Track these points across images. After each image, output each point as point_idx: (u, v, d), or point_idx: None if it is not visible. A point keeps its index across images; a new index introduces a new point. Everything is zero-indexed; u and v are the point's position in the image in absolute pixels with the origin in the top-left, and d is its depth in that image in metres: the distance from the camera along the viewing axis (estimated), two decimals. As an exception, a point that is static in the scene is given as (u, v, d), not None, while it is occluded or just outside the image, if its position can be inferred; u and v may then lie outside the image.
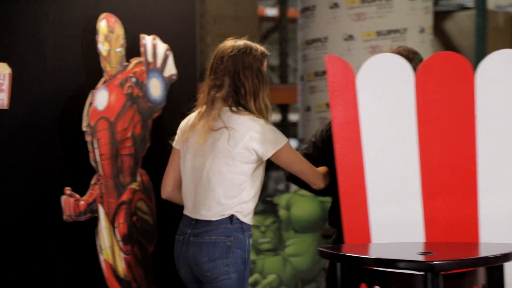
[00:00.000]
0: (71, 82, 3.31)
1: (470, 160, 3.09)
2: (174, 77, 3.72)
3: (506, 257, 2.64)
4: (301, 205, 4.85)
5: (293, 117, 8.21)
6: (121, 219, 3.46)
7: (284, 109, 8.06)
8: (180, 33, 3.78)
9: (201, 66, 3.76)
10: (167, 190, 3.25)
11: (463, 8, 8.30)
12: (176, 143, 3.23)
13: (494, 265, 2.68)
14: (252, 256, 4.71)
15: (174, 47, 3.71)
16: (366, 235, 3.08)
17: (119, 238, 3.45)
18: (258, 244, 4.74)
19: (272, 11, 8.69)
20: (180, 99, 3.73)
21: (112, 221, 3.43)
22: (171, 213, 3.57)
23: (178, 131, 3.25)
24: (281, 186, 7.93)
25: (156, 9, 3.68)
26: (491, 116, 3.11)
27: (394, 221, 3.08)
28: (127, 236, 3.47)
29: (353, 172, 3.12)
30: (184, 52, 3.78)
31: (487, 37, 7.22)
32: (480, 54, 6.97)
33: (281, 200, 4.88)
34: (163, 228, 3.64)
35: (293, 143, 8.41)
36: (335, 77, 3.18)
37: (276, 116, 8.37)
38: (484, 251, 2.83)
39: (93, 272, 3.36)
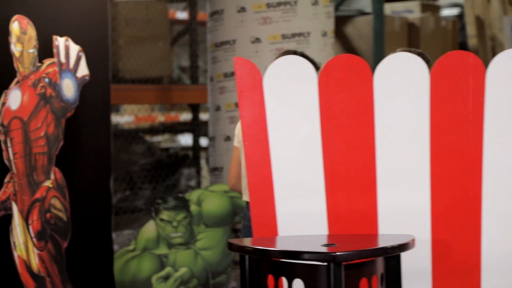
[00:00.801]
0: (-16, 82, 3.22)
1: (370, 156, 3.13)
2: (87, 78, 3.66)
3: (402, 247, 2.68)
4: (212, 201, 4.84)
5: (203, 116, 8.18)
6: (34, 216, 3.39)
7: (195, 108, 8.02)
8: (93, 35, 3.73)
9: (113, 67, 3.72)
10: (232, 182, 3.60)
11: (362, 13, 8.42)
12: (236, 142, 3.59)
13: (392, 255, 2.72)
14: (164, 250, 4.67)
15: (86, 49, 3.65)
16: (273, 228, 3.09)
17: (33, 234, 3.37)
18: (170, 239, 4.70)
19: (182, 14, 8.64)
20: (92, 99, 3.69)
21: (26, 218, 3.35)
22: (84, 210, 3.51)
23: (237, 131, 3.59)
24: (193, 183, 7.91)
25: (69, 11, 3.61)
26: (388, 114, 3.16)
27: (299, 214, 3.10)
28: (40, 232, 3.40)
29: (260, 169, 3.13)
30: (96, 54, 3.73)
31: (385, 40, 7.34)
32: (378, 56, 7.08)
33: (192, 196, 4.86)
34: (76, 224, 3.58)
35: (204, 141, 8.40)
36: (243, 78, 3.18)
37: (187, 115, 8.33)
38: (382, 242, 2.87)
39: (7, 268, 3.28)
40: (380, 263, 2.70)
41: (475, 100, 3.10)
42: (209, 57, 5.52)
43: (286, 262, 2.62)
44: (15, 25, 3.31)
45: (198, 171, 7.92)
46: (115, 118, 7.91)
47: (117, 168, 7.08)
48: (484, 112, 3.09)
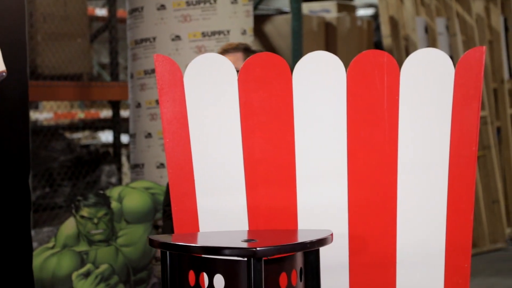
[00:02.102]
0: None
1: (289, 152, 3.14)
2: (4, 74, 3.56)
3: (321, 242, 2.71)
4: (133, 197, 4.79)
5: (124, 113, 8.09)
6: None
7: (115, 105, 7.92)
8: (10, 31, 3.64)
9: (31, 63, 3.64)
10: None
11: (281, 12, 8.47)
12: None
13: (311, 249, 2.74)
14: (85, 247, 4.60)
15: (3, 45, 3.56)
16: (194, 225, 3.07)
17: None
18: (91, 236, 4.63)
19: (101, 11, 8.52)
20: (10, 95, 3.60)
21: None
22: (2, 207, 3.42)
23: None
24: (113, 180, 7.81)
25: (-15, 6, 3.51)
26: (307, 111, 3.18)
27: (220, 210, 3.09)
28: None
29: (181, 165, 3.10)
30: (14, 50, 3.64)
31: (303, 39, 7.40)
32: (296, 55, 7.14)
33: (113, 192, 4.80)
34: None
35: (125, 138, 8.30)
36: (163, 75, 3.15)
37: (107, 112, 8.22)
38: (301, 237, 2.88)
39: None
40: (299, 257, 2.71)
41: (389, 97, 3.14)
42: (129, 54, 5.46)
43: (207, 258, 2.61)
44: None
45: (119, 168, 7.83)
46: (34, 115, 7.75)
47: (36, 165, 6.95)
48: (399, 109, 3.14)
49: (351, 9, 8.78)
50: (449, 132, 3.13)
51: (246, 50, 3.81)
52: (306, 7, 8.40)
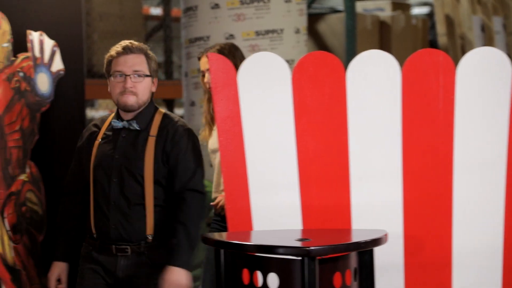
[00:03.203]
0: (-41, 76, 3.17)
1: (343, 151, 3.13)
2: (62, 72, 3.63)
3: (375, 242, 2.69)
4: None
5: (178, 111, 8.14)
6: (10, 209, 3.35)
7: (169, 103, 7.99)
8: (67, 30, 3.69)
9: (88, 62, 3.69)
10: None
11: (335, 11, 8.44)
12: None
13: (365, 249, 2.72)
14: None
15: (61, 43, 3.61)
16: (248, 223, 3.08)
17: (8, 228, 3.34)
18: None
19: (156, 10, 8.60)
20: (67, 93, 3.66)
21: (1, 212, 3.32)
22: (59, 203, 3.47)
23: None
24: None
25: (43, 5, 3.57)
26: (361, 110, 3.16)
27: (274, 209, 3.09)
28: (16, 226, 3.37)
29: (235, 163, 3.11)
30: (71, 48, 3.69)
31: (357, 38, 7.36)
32: (350, 54, 7.10)
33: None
34: (52, 218, 3.54)
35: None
36: (218, 74, 3.16)
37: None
38: (355, 237, 2.87)
39: (-19, 262, 3.24)
40: (353, 257, 2.70)
41: (445, 97, 3.11)
42: (183, 53, 5.50)
43: (261, 256, 2.61)
44: (-10, 19, 3.27)
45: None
46: (90, 113, 7.84)
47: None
48: (454, 109, 3.11)
49: (406, 7, 8.70)
50: (507, 131, 3.08)
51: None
52: (360, 6, 8.35)
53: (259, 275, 2.63)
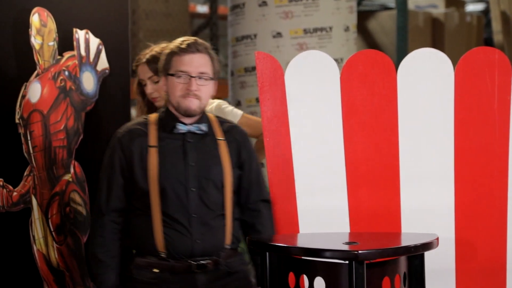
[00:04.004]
0: (4, 75, 3.23)
1: (393, 153, 3.11)
2: (107, 71, 3.66)
3: (426, 246, 2.66)
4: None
5: (223, 111, 8.17)
6: (54, 210, 3.40)
7: (214, 103, 8.04)
8: (113, 28, 3.72)
9: (133, 60, 3.72)
10: None
11: (385, 8, 8.39)
12: None
13: (415, 254, 2.70)
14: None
15: (106, 42, 3.65)
16: (294, 225, 3.08)
17: (52, 228, 3.39)
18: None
19: (203, 8, 8.65)
20: (112, 92, 3.69)
21: (45, 212, 3.36)
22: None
23: None
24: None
25: (89, 4, 3.61)
26: (412, 110, 3.14)
27: (321, 211, 3.09)
28: (60, 226, 3.41)
29: (281, 164, 3.11)
30: (116, 47, 3.72)
31: (408, 36, 7.31)
32: (401, 52, 7.05)
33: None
34: (95, 219, 3.58)
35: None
36: (264, 73, 3.17)
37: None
38: (405, 241, 2.84)
39: (26, 262, 3.29)
40: (403, 262, 2.68)
41: (500, 97, 3.07)
42: (229, 52, 5.51)
43: (307, 260, 2.60)
44: (35, 18, 3.31)
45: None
46: (135, 112, 7.90)
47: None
48: (510, 110, 3.06)
49: (460, 4, 8.61)
50: None
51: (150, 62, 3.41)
52: (412, 2, 8.28)
53: (305, 279, 2.63)
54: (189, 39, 2.95)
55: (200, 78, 2.88)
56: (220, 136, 2.94)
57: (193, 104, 2.88)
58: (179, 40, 2.96)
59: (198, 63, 2.88)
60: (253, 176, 2.97)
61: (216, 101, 3.41)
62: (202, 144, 2.91)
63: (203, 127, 2.92)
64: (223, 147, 2.93)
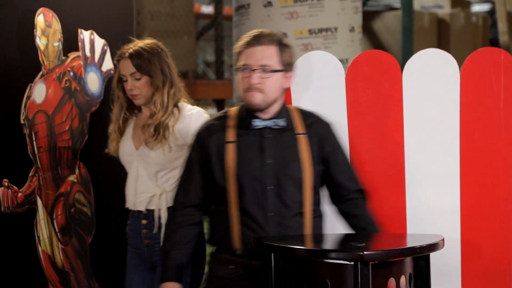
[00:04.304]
0: (9, 76, 3.23)
1: (398, 153, 3.11)
2: (112, 72, 3.67)
3: (431, 247, 2.65)
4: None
5: (228, 111, 8.18)
6: (59, 210, 3.40)
7: (220, 103, 8.04)
8: (118, 29, 3.73)
9: (138, 61, 3.70)
10: None
11: (391, 8, 8.39)
12: None
13: (421, 255, 2.69)
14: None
15: (111, 43, 3.65)
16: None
17: (57, 229, 3.39)
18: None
19: (207, 9, 8.65)
20: (117, 93, 3.69)
21: (50, 213, 3.37)
22: (109, 205, 3.51)
23: None
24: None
25: (94, 4, 3.62)
26: (417, 111, 3.13)
27: (326, 211, 3.08)
28: (65, 227, 3.41)
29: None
30: (121, 48, 3.73)
31: (413, 36, 7.30)
32: (406, 52, 7.05)
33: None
34: (101, 219, 3.59)
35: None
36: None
37: (212, 111, 8.35)
38: (411, 242, 2.84)
39: (31, 263, 3.29)
40: (408, 263, 2.67)
41: (506, 97, 3.06)
42: (234, 52, 5.52)
43: (313, 261, 2.60)
44: (40, 18, 3.32)
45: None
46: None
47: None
48: (516, 110, 3.06)
49: (466, 4, 8.60)
50: None
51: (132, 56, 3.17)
52: (417, 3, 8.28)
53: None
54: (255, 31, 2.85)
55: (263, 70, 2.78)
56: (300, 130, 2.84)
57: (255, 98, 2.78)
58: (248, 33, 2.87)
59: (260, 55, 2.79)
60: (342, 167, 2.86)
61: (197, 108, 3.18)
62: (280, 140, 2.82)
63: (281, 122, 2.82)
64: (303, 142, 2.82)
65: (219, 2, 8.13)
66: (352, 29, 5.30)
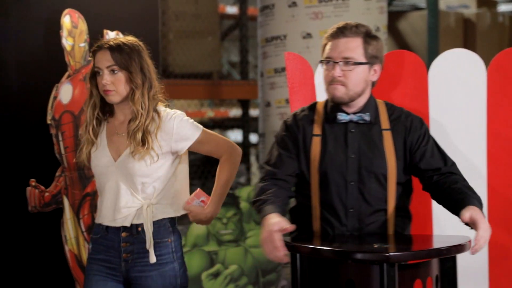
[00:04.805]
0: (36, 76, 3.25)
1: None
2: (137, 73, 3.67)
3: (458, 248, 2.64)
4: (261, 197, 4.83)
5: (253, 112, 8.18)
6: (85, 210, 3.41)
7: (244, 104, 8.03)
8: (143, 29, 3.73)
9: (163, 61, 3.72)
10: None
11: (416, 8, 8.35)
12: None
13: (447, 256, 2.68)
14: (214, 247, 4.69)
15: (137, 43, 3.66)
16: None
17: (83, 228, 3.41)
18: (220, 236, 4.71)
19: (232, 9, 8.65)
20: (143, 93, 3.70)
21: (76, 212, 3.38)
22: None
23: None
24: (242, 179, 7.92)
25: (119, 5, 3.63)
26: (443, 111, 3.12)
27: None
28: (91, 227, 3.43)
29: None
30: (146, 48, 3.73)
31: (439, 36, 7.26)
32: (432, 53, 7.01)
33: (242, 192, 4.86)
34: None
35: (254, 137, 8.40)
36: (294, 73, 3.16)
37: (237, 111, 8.35)
38: (437, 243, 2.83)
39: (58, 262, 3.31)
40: (435, 264, 2.66)
41: (534, 98, 3.04)
42: (259, 52, 5.52)
43: (338, 262, 2.59)
44: (67, 19, 3.34)
45: (248, 168, 7.93)
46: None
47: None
48: (544, 110, 3.04)
49: (492, 4, 8.54)
50: None
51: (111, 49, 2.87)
52: (443, 3, 8.22)
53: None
54: (341, 23, 2.81)
55: (345, 63, 2.74)
56: (386, 125, 2.80)
57: (338, 91, 2.74)
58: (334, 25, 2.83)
59: (343, 47, 2.75)
60: (428, 154, 2.77)
61: (178, 112, 2.93)
62: (365, 135, 2.78)
63: (366, 116, 2.78)
64: (388, 137, 2.78)
65: (244, 3, 8.13)
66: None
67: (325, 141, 2.78)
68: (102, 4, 3.54)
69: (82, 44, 3.42)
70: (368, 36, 2.79)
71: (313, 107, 2.87)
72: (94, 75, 2.89)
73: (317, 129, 2.80)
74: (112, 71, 2.83)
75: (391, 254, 2.48)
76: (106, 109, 2.89)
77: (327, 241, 2.72)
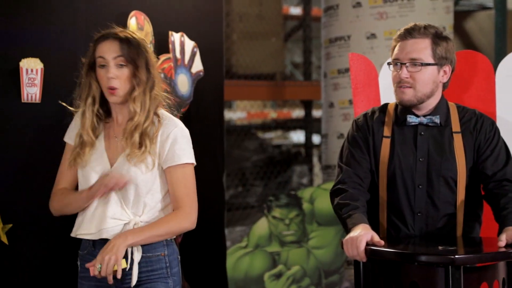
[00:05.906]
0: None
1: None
2: (201, 74, 3.71)
3: (526, 251, 2.59)
4: (324, 199, 4.83)
5: (316, 113, 8.17)
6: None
7: (307, 105, 8.03)
8: (207, 31, 3.77)
9: (227, 62, 3.75)
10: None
11: (483, 8, 8.22)
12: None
13: (514, 259, 2.64)
14: (276, 248, 4.70)
15: (201, 44, 3.69)
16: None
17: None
18: (283, 236, 4.72)
19: (296, 10, 8.65)
20: (206, 94, 3.73)
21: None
22: (198, 206, 3.54)
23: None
24: (305, 180, 7.92)
25: (184, 7, 3.67)
26: (510, 113, 3.07)
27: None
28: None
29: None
30: (210, 49, 3.77)
31: (507, 36, 7.14)
32: (500, 53, 6.90)
33: (305, 193, 4.86)
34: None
35: (316, 138, 8.39)
36: (358, 74, 3.15)
37: (299, 112, 8.35)
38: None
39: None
40: (502, 267, 2.62)
41: None
42: (322, 53, 5.51)
43: (402, 264, 2.57)
44: (133, 21, 3.38)
45: (311, 169, 7.92)
46: (228, 114, 8.01)
47: (229, 164, 7.17)
48: None
49: None
50: None
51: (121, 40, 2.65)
52: (511, 2, 8.09)
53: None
54: (411, 24, 2.78)
55: (413, 64, 2.71)
56: (456, 128, 2.76)
57: (405, 95, 2.71)
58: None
59: (411, 49, 2.72)
60: (491, 159, 2.72)
61: (180, 125, 2.71)
62: (435, 137, 2.75)
63: (436, 119, 2.74)
64: (459, 140, 2.74)
65: (308, 3, 8.13)
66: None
67: (394, 144, 2.75)
68: (167, 6, 3.58)
69: (148, 46, 3.46)
70: (438, 37, 2.75)
71: (384, 108, 2.84)
72: (92, 67, 2.65)
73: (387, 131, 2.77)
74: (119, 64, 2.61)
75: (456, 256, 2.45)
76: (103, 108, 2.69)
77: (392, 243, 2.70)
